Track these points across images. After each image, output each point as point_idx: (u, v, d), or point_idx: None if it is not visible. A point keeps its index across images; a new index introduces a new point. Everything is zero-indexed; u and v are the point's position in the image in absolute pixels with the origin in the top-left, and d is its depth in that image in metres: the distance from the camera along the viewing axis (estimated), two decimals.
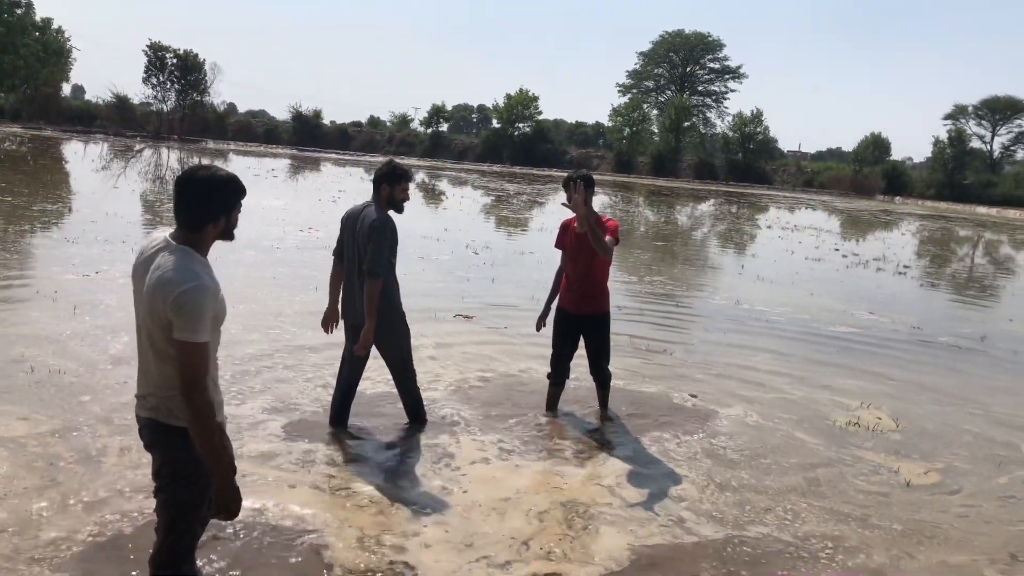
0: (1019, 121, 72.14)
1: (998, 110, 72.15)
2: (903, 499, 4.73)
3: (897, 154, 74.89)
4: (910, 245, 23.87)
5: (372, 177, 4.93)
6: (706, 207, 36.96)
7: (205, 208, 2.61)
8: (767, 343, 8.74)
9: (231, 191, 2.66)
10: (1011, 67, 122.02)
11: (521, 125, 76.31)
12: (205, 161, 38.98)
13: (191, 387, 2.50)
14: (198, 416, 2.52)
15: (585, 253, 5.30)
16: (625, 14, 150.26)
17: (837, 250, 19.65)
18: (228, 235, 2.75)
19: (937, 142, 67.03)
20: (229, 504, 2.65)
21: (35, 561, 3.33)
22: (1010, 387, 7.76)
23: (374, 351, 5.05)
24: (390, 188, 4.85)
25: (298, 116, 76.04)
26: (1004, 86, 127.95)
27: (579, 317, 5.43)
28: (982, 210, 53.97)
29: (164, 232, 2.72)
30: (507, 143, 74.96)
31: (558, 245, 5.58)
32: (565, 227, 5.51)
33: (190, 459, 2.63)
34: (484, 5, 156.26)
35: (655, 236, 21.05)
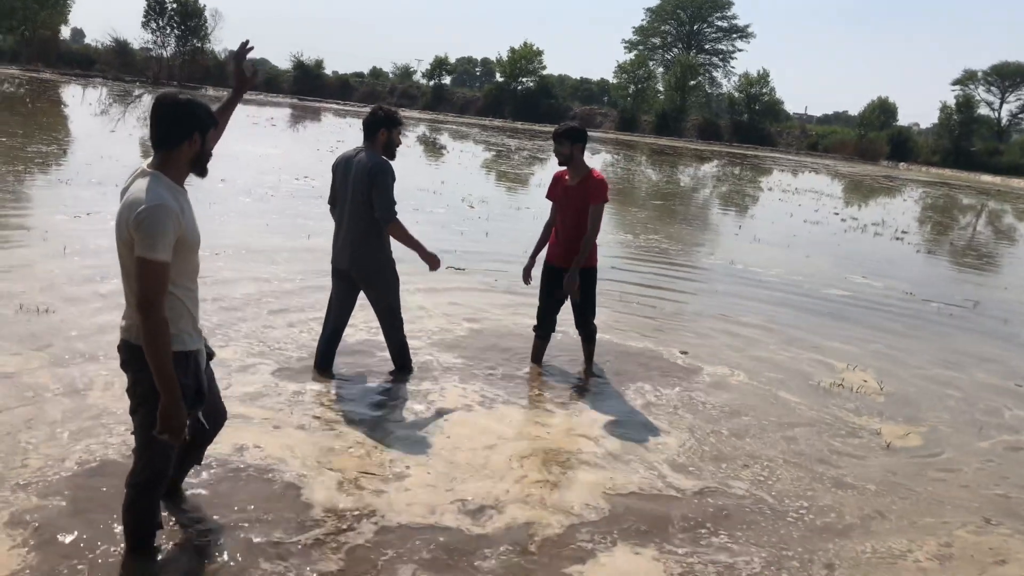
0: None
1: (1007, 76, 71.27)
2: (881, 461, 4.77)
3: (904, 119, 74.33)
4: (911, 211, 23.78)
5: (364, 122, 4.88)
6: (709, 168, 36.73)
7: (175, 126, 2.69)
8: (758, 304, 8.74)
9: (201, 113, 2.75)
10: (1022, 33, 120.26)
11: (524, 80, 75.42)
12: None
13: (146, 305, 2.56)
14: (151, 333, 2.57)
15: (574, 206, 5.28)
16: None
17: (836, 214, 19.58)
18: (202, 166, 2.82)
19: (944, 107, 66.43)
20: (173, 426, 2.67)
21: (20, 487, 3.37)
22: (997, 355, 7.78)
23: (362, 297, 5.07)
24: (388, 132, 4.82)
25: (299, 65, 75.09)
26: (1015, 52, 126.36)
27: (565, 272, 5.42)
28: (987, 178, 53.68)
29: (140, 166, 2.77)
30: (510, 98, 74.15)
31: (549, 196, 5.55)
32: (557, 179, 5.47)
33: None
34: None
35: (654, 195, 20.96)
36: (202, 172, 2.83)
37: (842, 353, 7.03)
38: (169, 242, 2.57)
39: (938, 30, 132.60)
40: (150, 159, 2.76)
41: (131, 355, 2.76)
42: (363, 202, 4.74)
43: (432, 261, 4.96)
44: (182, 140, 2.70)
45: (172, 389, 2.63)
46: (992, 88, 72.29)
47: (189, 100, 2.75)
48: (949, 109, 65.84)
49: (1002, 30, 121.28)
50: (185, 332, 2.79)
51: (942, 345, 7.93)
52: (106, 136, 19.48)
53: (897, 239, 15.97)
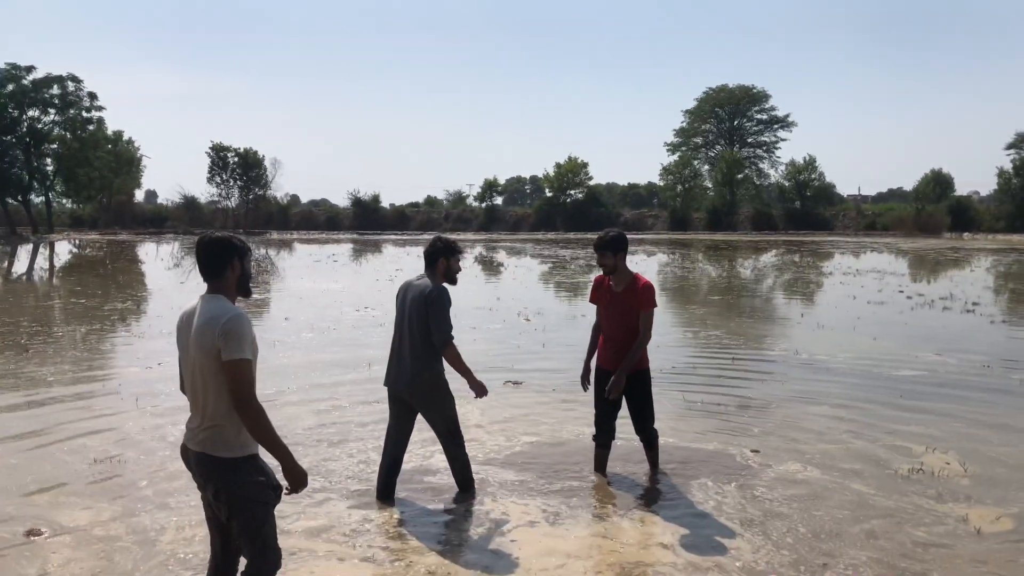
0: None
1: None
2: (971, 549, 4.49)
3: (961, 189, 72.84)
4: (980, 281, 23.03)
5: (425, 252, 5.09)
6: (767, 258, 36.45)
7: (218, 258, 3.13)
8: (828, 392, 8.49)
9: (233, 244, 3.18)
10: None
11: (573, 192, 77.02)
12: (271, 251, 40.31)
13: (245, 399, 2.96)
14: (256, 419, 2.97)
15: (620, 309, 5.31)
16: (666, 75, 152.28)
17: (901, 292, 19.09)
18: (245, 287, 3.23)
19: (1002, 173, 65.03)
20: (297, 481, 3.07)
21: None
22: None
23: (420, 421, 5.14)
24: (447, 261, 5.06)
25: (357, 202, 78.26)
26: None
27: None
28: None
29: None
30: (560, 210, 75.61)
31: (592, 300, 5.60)
32: (599, 282, 5.53)
33: (245, 482, 3.05)
34: (524, 82, 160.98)
35: (712, 290, 20.81)
36: (247, 292, 3.25)
37: (920, 436, 6.73)
38: (251, 344, 3.00)
39: (984, 95, 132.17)
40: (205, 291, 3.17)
41: (210, 467, 3.06)
42: (420, 327, 4.89)
43: (479, 389, 5.05)
44: (225, 267, 3.12)
45: (286, 454, 3.03)
46: None
47: (224, 234, 3.22)
48: (1007, 174, 64.51)
49: None
50: (249, 438, 3.09)
51: None
52: (177, 288, 20.46)
53: (968, 311, 15.44)
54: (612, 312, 5.38)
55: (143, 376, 9.04)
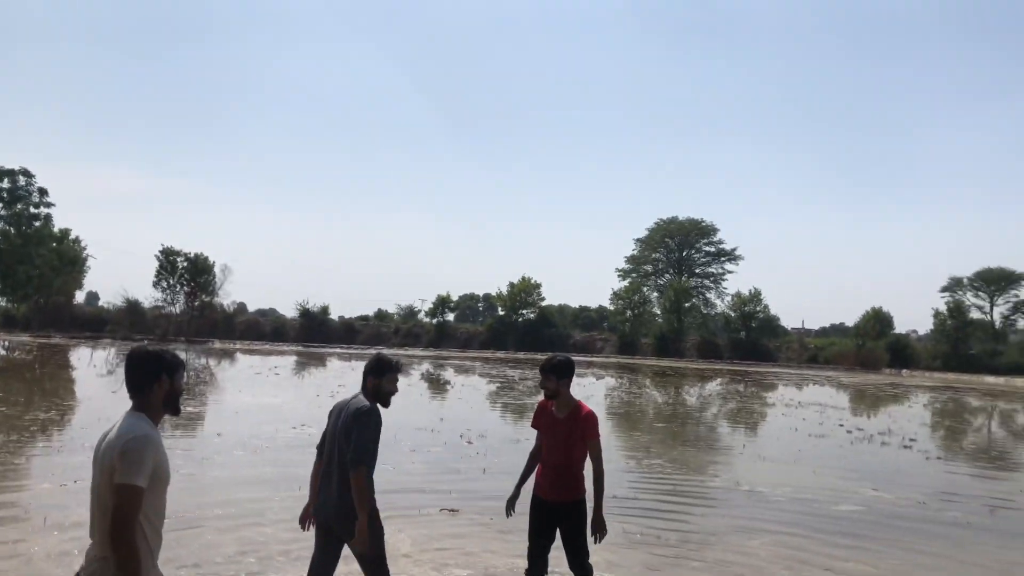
0: (1015, 291, 73.38)
1: (992, 281, 73.58)
2: None
3: (900, 327, 75.42)
4: (917, 417, 23.48)
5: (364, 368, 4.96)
6: (712, 386, 36.78)
7: (144, 373, 3.02)
8: (767, 526, 8.41)
9: (162, 358, 3.08)
10: (1001, 239, 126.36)
11: (525, 311, 77.68)
12: (211, 361, 39.42)
13: (119, 528, 2.72)
14: (125, 557, 2.72)
15: (560, 436, 5.22)
16: (619, 203, 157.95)
17: (842, 425, 19.32)
18: (174, 405, 3.11)
19: (938, 314, 67.79)
20: None
21: None
22: (1019, 562, 7.35)
23: (346, 550, 4.87)
24: (376, 379, 4.85)
25: (305, 312, 77.64)
26: (997, 257, 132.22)
27: (553, 505, 5.23)
28: (990, 379, 53.58)
29: None
30: (512, 329, 75.96)
31: (534, 425, 5.50)
32: (542, 407, 5.44)
33: None
34: (482, 200, 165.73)
35: (657, 417, 20.80)
36: (175, 411, 3.12)
37: (857, 574, 6.64)
38: (148, 471, 2.81)
39: (922, 238, 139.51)
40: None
41: None
42: (346, 450, 4.68)
43: (361, 535, 4.54)
44: (151, 383, 3.01)
45: None
46: (980, 293, 74.41)
47: (155, 349, 3.11)
48: (943, 315, 67.24)
49: (983, 237, 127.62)
50: (144, 570, 2.85)
51: (963, 555, 7.52)
52: (108, 397, 19.71)
53: (906, 447, 15.64)
54: (552, 439, 5.28)
55: (56, 495, 8.53)
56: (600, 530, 5.07)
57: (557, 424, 5.25)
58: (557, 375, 5.23)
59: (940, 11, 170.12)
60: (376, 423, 4.70)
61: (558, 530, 5.28)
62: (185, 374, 3.26)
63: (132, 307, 69.23)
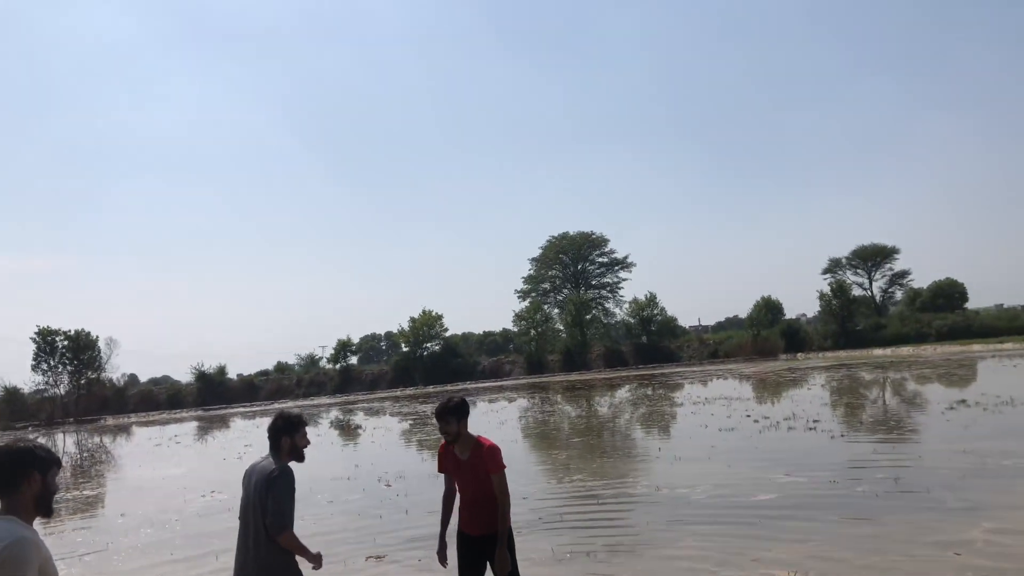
0: (889, 265, 77.96)
1: (867, 257, 77.94)
2: None
3: (790, 312, 78.92)
4: (818, 399, 24.48)
5: (268, 431, 4.76)
6: (621, 393, 37.38)
7: (9, 472, 2.80)
8: (691, 527, 8.54)
9: (34, 455, 2.86)
10: (873, 215, 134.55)
11: (429, 345, 77.20)
12: (105, 439, 37.33)
13: None
14: None
15: (471, 475, 5.14)
16: (510, 225, 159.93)
17: (748, 416, 19.95)
18: (46, 506, 2.88)
19: (822, 295, 71.12)
20: None
21: None
22: (932, 525, 7.73)
23: None
24: (291, 439, 4.73)
25: (201, 376, 74.73)
26: (870, 234, 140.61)
27: (479, 539, 5.15)
28: (878, 351, 56.57)
29: None
30: (418, 364, 75.31)
31: (441, 470, 5.39)
32: (444, 451, 5.32)
33: None
34: (373, 238, 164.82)
35: (573, 432, 20.95)
36: (47, 512, 2.89)
37: (783, 560, 6.83)
38: (39, 573, 2.64)
39: (800, 223, 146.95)
40: None
41: None
42: (265, 514, 4.51)
43: (316, 561, 4.65)
44: (20, 483, 2.79)
45: None
46: (858, 270, 78.68)
47: (25, 445, 2.88)
48: (827, 296, 70.60)
49: (856, 215, 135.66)
50: None
51: (877, 528, 7.83)
52: None
53: (810, 429, 16.27)
54: (465, 479, 5.20)
55: None
56: (503, 566, 5.02)
57: (462, 465, 5.16)
58: (457, 417, 5.15)
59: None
60: (290, 484, 4.61)
61: (487, 563, 5.20)
62: (60, 471, 3.03)
63: (11, 394, 64.85)
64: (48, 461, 2.89)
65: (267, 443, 4.85)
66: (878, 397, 24.50)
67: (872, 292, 77.93)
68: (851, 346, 62.92)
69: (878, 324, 68.01)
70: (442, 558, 5.33)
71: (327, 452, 20.50)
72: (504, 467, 5.15)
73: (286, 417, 4.86)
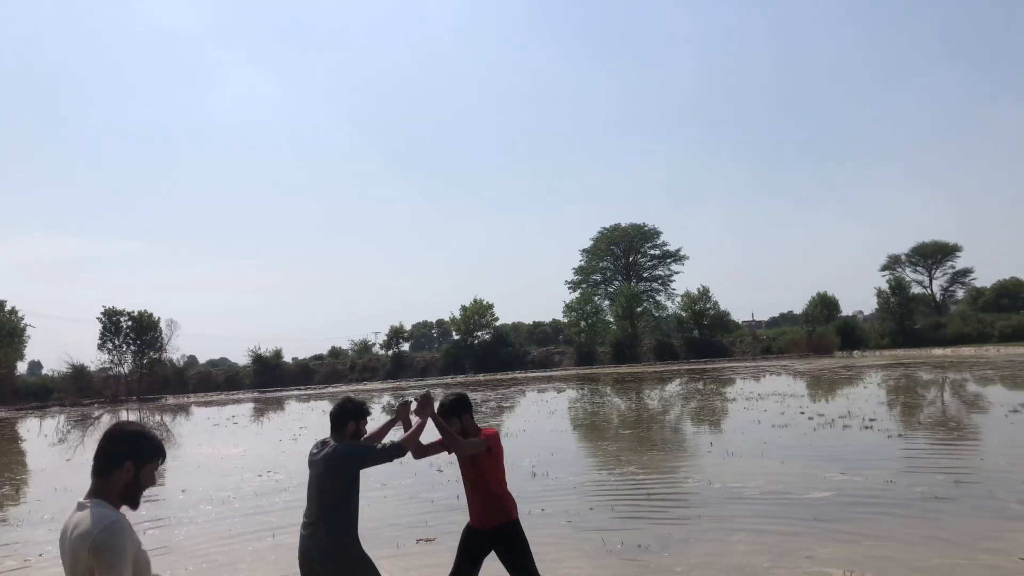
0: (951, 263, 75.80)
1: (928, 255, 75.90)
2: None
3: (846, 309, 77.43)
4: (874, 397, 24.00)
5: (333, 414, 4.83)
6: (672, 387, 37.13)
7: (110, 455, 2.76)
8: (744, 521, 8.49)
9: (142, 444, 2.81)
10: (933, 212, 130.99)
11: (480, 333, 77.68)
12: (166, 418, 38.46)
13: None
14: None
15: (472, 468, 5.09)
16: (562, 216, 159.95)
17: (803, 413, 19.66)
18: (131, 498, 2.80)
19: (880, 293, 69.54)
20: None
21: None
22: (990, 530, 7.55)
23: None
24: (356, 424, 4.84)
25: (258, 359, 76.45)
26: (931, 231, 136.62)
27: (487, 532, 5.02)
28: (938, 351, 55.14)
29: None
30: (468, 353, 75.85)
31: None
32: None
33: None
34: (427, 227, 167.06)
35: (623, 424, 20.90)
36: (132, 504, 2.81)
37: (837, 558, 6.75)
38: (130, 561, 2.55)
39: (858, 219, 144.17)
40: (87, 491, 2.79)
41: None
42: (331, 492, 4.61)
43: (419, 411, 4.99)
44: (113, 468, 2.74)
45: None
46: (918, 268, 76.69)
47: (136, 432, 2.83)
48: (885, 294, 68.98)
49: (916, 212, 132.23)
50: None
51: (936, 530, 7.68)
52: (62, 466, 19.08)
53: (867, 428, 15.97)
54: (463, 467, 5.15)
55: (21, 574, 8.21)
56: (423, 407, 5.09)
57: (467, 458, 5.11)
58: (458, 414, 5.15)
59: None
60: (366, 445, 4.74)
61: (496, 555, 5.06)
62: (161, 464, 2.92)
63: (78, 372, 67.34)
64: (148, 453, 2.81)
65: (322, 427, 4.99)
66: (937, 397, 23.89)
67: (932, 290, 76.04)
68: (909, 345, 61.47)
69: (938, 323, 66.28)
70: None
71: None
72: (487, 437, 5.05)
73: (357, 403, 4.96)
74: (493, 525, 5.03)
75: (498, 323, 79.98)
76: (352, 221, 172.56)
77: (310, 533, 4.69)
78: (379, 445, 4.71)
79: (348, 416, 4.81)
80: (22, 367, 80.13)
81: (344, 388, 61.02)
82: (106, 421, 39.35)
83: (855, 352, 62.52)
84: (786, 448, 13.82)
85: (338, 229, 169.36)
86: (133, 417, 40.59)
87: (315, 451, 4.85)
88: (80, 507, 2.70)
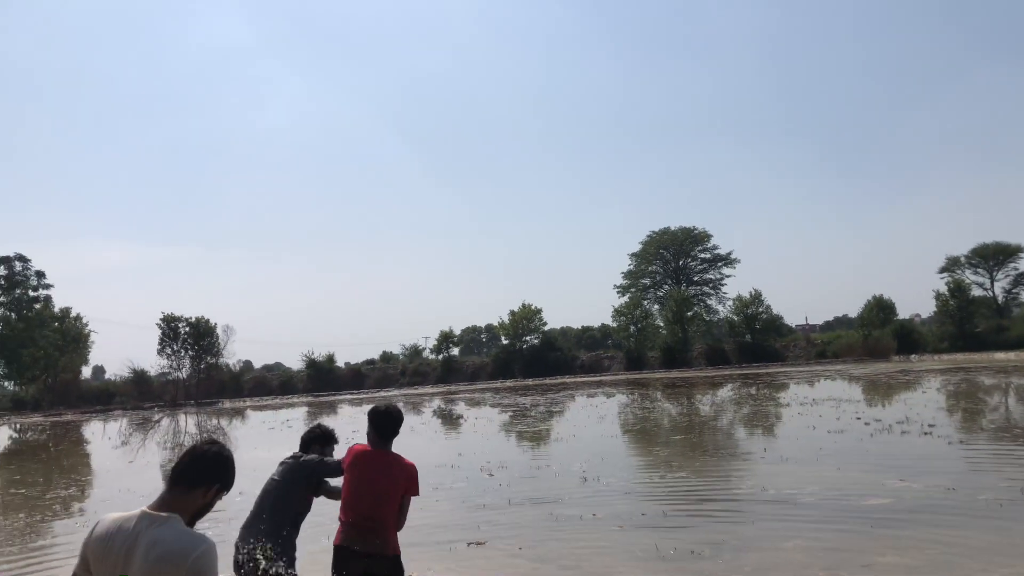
0: (1014, 265, 73.32)
1: (989, 256, 73.57)
2: None
3: (903, 312, 75.42)
4: (933, 402, 23.39)
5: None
6: (724, 392, 36.66)
7: (205, 471, 2.76)
8: (799, 529, 8.36)
9: (227, 470, 2.85)
10: (994, 212, 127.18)
11: (528, 338, 77.66)
12: (223, 421, 39.29)
13: None
14: None
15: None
16: (610, 220, 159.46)
17: (859, 418, 19.25)
18: (197, 519, 2.80)
19: (939, 295, 67.61)
20: None
21: None
22: None
23: None
24: (321, 449, 5.40)
25: (311, 363, 77.55)
26: (993, 232, 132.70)
27: (366, 557, 4.62)
28: (1000, 356, 53.42)
29: (130, 512, 2.72)
30: (517, 357, 75.88)
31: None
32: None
33: None
34: (474, 233, 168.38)
35: (674, 430, 20.72)
36: (192, 524, 2.77)
37: (895, 567, 6.61)
38: None
39: (915, 220, 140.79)
40: (151, 503, 2.71)
41: None
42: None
43: None
44: (199, 486, 2.74)
45: None
46: (979, 269, 74.36)
47: (230, 456, 2.88)
48: (944, 296, 67.05)
49: (977, 212, 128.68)
50: None
51: (1002, 538, 7.47)
52: (125, 468, 19.64)
53: (926, 434, 15.58)
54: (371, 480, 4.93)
55: None
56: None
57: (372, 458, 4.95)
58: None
59: None
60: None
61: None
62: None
63: (139, 377, 69.29)
64: (231, 481, 2.84)
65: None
66: (1001, 403, 23.18)
67: (994, 293, 73.63)
68: (969, 349, 59.65)
69: (1000, 326, 64.12)
70: None
71: (431, 440, 20.98)
72: (418, 491, 5.00)
73: (325, 430, 5.55)
74: (379, 552, 4.76)
75: (547, 328, 79.90)
76: (402, 227, 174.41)
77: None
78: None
79: (315, 441, 5.13)
80: (86, 372, 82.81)
81: (395, 392, 61.60)
82: (166, 425, 40.38)
83: (913, 356, 60.91)
84: (842, 454, 13.56)
85: (388, 235, 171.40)
86: (192, 420, 41.56)
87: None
88: (155, 522, 2.60)
